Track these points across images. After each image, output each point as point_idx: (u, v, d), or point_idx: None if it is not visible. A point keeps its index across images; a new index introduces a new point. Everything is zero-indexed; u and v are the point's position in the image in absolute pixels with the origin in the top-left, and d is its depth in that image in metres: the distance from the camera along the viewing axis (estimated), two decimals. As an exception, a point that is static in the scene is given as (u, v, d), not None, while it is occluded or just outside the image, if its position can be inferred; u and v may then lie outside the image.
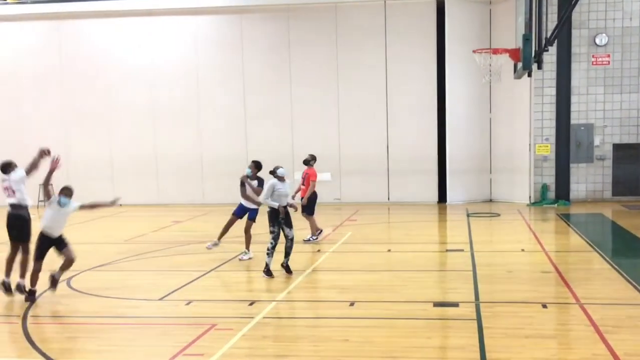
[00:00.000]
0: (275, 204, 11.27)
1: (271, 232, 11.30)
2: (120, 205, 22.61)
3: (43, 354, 7.60)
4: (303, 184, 14.98)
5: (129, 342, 8.15)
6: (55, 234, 10.12)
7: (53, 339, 8.23)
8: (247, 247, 13.03)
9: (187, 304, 9.74)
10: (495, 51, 18.06)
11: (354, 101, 22.42)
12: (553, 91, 21.09)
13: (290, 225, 11.44)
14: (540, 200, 21.17)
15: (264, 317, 8.98)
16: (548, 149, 21.28)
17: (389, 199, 22.41)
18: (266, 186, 11.51)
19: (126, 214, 21.30)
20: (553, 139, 21.25)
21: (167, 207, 22.76)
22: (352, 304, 9.60)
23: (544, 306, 9.25)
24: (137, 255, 13.97)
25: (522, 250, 13.89)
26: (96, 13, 23.14)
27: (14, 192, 10.51)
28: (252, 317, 8.92)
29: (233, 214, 13.08)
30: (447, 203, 21.91)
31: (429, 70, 22.05)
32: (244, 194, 12.95)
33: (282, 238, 11.38)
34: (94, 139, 23.52)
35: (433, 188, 22.31)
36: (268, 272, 11.32)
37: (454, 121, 21.73)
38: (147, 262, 13.31)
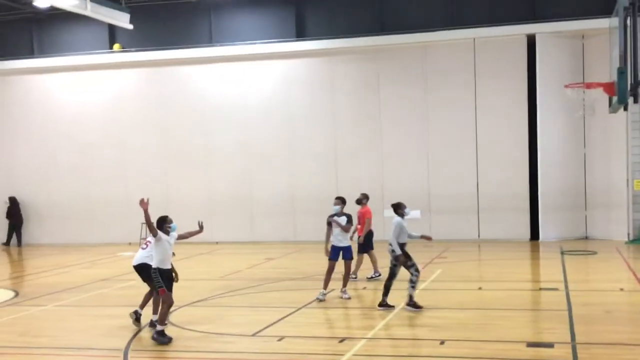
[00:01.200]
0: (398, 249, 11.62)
1: (411, 266, 11.60)
2: (217, 243, 23.52)
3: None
4: (359, 223, 15.02)
5: (224, 376, 8.40)
6: (168, 266, 10.46)
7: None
8: (345, 285, 13.09)
9: (279, 340, 9.95)
10: (589, 85, 17.71)
11: (443, 139, 22.38)
12: (652, 125, 20.41)
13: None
14: (639, 238, 20.38)
15: (354, 355, 9.06)
16: (648, 184, 20.53)
17: (479, 236, 22.10)
18: (394, 227, 11.79)
19: (221, 251, 21.90)
20: (653, 174, 20.50)
21: (260, 245, 23.23)
22: (442, 343, 9.56)
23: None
24: (232, 291, 14.35)
25: (621, 289, 13.43)
26: (192, 60, 24.16)
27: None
28: (343, 355, 9.02)
29: (330, 259, 12.98)
30: (539, 240, 21.40)
31: (520, 106, 21.78)
32: (329, 235, 13.04)
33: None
34: (191, 178, 24.40)
35: (525, 225, 21.86)
36: (414, 305, 11.55)
37: (546, 156, 21.33)
38: (242, 299, 13.66)
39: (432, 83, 22.40)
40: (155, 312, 10.69)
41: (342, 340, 9.80)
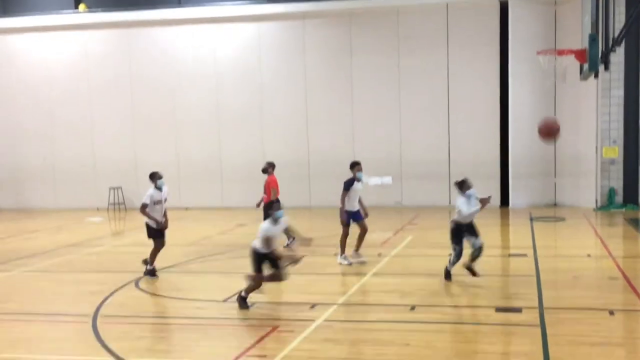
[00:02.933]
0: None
1: (454, 250, 11.05)
2: (187, 208, 23.35)
3: (112, 353, 7.87)
4: (265, 192, 14.95)
5: (194, 342, 8.35)
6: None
7: (122, 338, 8.50)
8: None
9: (251, 306, 9.91)
10: (561, 52, 17.71)
11: (415, 105, 22.37)
12: (621, 92, 20.55)
13: (475, 234, 11.02)
14: (607, 205, 20.66)
15: (325, 320, 9.07)
16: (616, 152, 20.74)
17: (450, 202, 22.22)
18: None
19: (191, 217, 21.75)
20: (621, 142, 20.69)
21: (231, 210, 23.12)
22: (413, 308, 9.60)
23: (611, 313, 9.06)
24: (203, 257, 14.27)
25: (588, 255, 13.61)
26: (161, 21, 23.70)
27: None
28: (314, 320, 9.02)
29: (347, 224, 12.93)
30: (509, 207, 21.60)
31: (491, 73, 21.80)
32: (344, 199, 12.89)
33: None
34: (161, 143, 24.11)
35: (496, 192, 22.02)
36: (447, 274, 11.19)
37: (517, 124, 21.42)
38: (212, 265, 13.58)
39: (405, 48, 22.27)
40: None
41: (313, 306, 9.79)
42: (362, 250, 13.15)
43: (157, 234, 12.21)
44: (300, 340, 8.19)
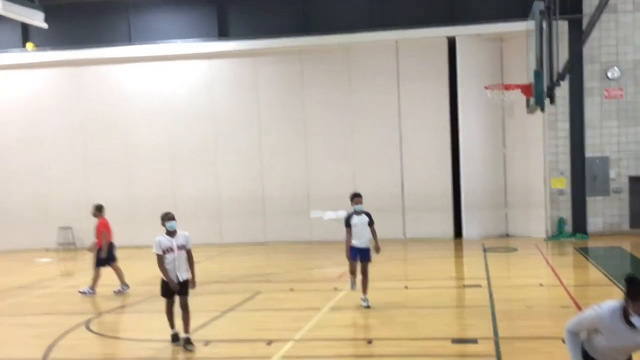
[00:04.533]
0: None
1: None
2: (138, 247, 22.93)
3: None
4: (96, 237, 14.50)
5: (148, 383, 8.16)
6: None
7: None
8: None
9: (206, 344, 9.76)
10: (507, 87, 18.19)
11: (368, 140, 22.54)
12: (567, 125, 21.11)
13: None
14: (557, 234, 21.06)
15: (282, 357, 8.97)
16: (564, 183, 21.22)
17: (405, 235, 22.37)
18: None
19: (144, 255, 21.35)
20: (568, 173, 21.20)
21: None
22: (370, 342, 9.57)
23: (565, 341, 9.14)
24: (155, 296, 13.97)
25: (541, 284, 13.80)
26: (112, 59, 23.51)
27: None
28: (270, 357, 8.92)
29: (351, 258, 11.94)
30: (463, 239, 21.84)
31: (441, 107, 22.15)
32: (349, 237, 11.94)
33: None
34: (113, 181, 23.74)
35: (449, 224, 22.26)
36: None
37: (468, 157, 21.77)
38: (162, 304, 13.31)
39: (356, 84, 22.51)
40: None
41: (269, 342, 9.68)
42: (317, 285, 13.09)
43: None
44: (257, 378, 8.07)
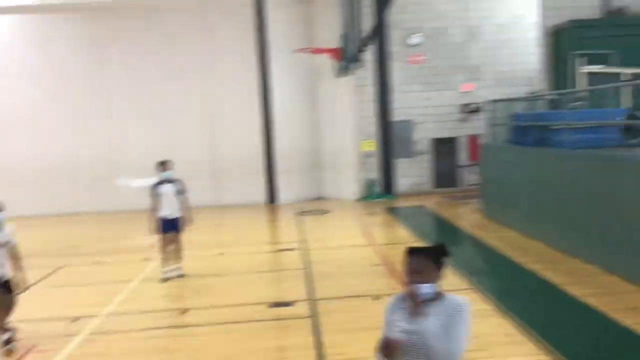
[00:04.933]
0: None
1: None
2: None
3: None
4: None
5: None
6: None
7: None
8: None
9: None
10: (317, 50, 18.36)
11: (177, 104, 21.82)
12: (373, 89, 21.74)
13: None
14: (367, 195, 21.78)
15: (90, 334, 8.38)
16: (373, 145, 21.91)
17: (219, 202, 22.03)
18: None
19: None
20: (376, 136, 21.90)
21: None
22: (184, 312, 9.21)
23: (376, 298, 9.39)
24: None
25: (352, 245, 14.13)
26: None
27: None
28: (77, 335, 8.29)
29: (164, 233, 11.32)
30: (278, 203, 21.93)
31: (251, 70, 21.83)
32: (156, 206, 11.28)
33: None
34: None
35: (262, 188, 22.23)
36: None
37: (280, 120, 21.79)
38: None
39: (162, 45, 21.60)
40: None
41: (75, 319, 9.01)
42: (127, 257, 12.45)
43: None
44: (64, 357, 7.45)
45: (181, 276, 11.38)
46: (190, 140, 21.84)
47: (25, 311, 9.59)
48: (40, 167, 21.57)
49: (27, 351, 7.75)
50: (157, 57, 21.66)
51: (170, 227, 11.26)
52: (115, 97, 21.76)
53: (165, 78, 21.74)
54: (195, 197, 21.93)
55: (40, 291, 11.02)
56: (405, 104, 21.85)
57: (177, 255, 11.49)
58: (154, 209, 11.20)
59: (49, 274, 12.24)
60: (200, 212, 20.44)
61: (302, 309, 9.06)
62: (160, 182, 11.29)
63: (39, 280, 11.70)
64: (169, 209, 11.21)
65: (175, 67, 21.68)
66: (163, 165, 11.44)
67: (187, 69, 21.73)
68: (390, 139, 21.83)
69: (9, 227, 8.18)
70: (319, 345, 7.49)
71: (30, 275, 11.97)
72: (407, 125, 21.98)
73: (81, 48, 21.59)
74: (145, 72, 21.69)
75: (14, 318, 8.18)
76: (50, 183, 21.62)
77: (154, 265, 12.52)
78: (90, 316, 9.19)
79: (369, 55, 20.18)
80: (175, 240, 11.41)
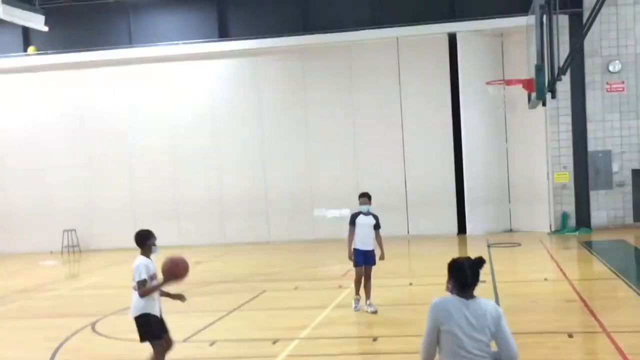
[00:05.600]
0: None
1: None
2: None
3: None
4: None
5: (155, 384, 8.16)
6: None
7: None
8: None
9: (211, 344, 9.77)
10: (509, 82, 18.16)
11: (370, 137, 22.55)
12: (569, 119, 21.09)
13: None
14: (561, 229, 21.04)
15: (287, 356, 8.98)
16: (567, 177, 21.20)
17: (408, 232, 22.36)
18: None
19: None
20: (571, 167, 21.19)
21: (188, 248, 22.83)
22: (375, 339, 9.56)
23: (570, 336, 9.17)
24: (161, 297, 14.00)
25: (545, 279, 13.79)
26: (113, 61, 23.51)
27: None
28: (276, 357, 8.93)
29: (357, 265, 11.37)
30: (467, 234, 21.83)
31: (443, 103, 22.15)
32: (351, 237, 11.46)
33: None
34: (116, 182, 23.78)
35: (452, 220, 22.26)
36: None
37: (470, 152, 21.76)
38: (171, 304, 13.32)
39: (357, 82, 22.53)
40: None
41: (275, 341, 9.69)
42: (322, 283, 13.05)
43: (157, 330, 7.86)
44: (264, 377, 8.08)
45: (375, 312, 11.23)
46: (383, 172, 22.39)
47: (231, 332, 10.51)
48: (243, 199, 23.17)
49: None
50: (351, 94, 22.56)
51: (363, 259, 11.36)
52: (313, 134, 22.88)
53: (359, 114, 22.56)
54: (386, 226, 22.61)
55: (245, 314, 11.95)
56: (603, 133, 20.97)
57: (367, 288, 11.46)
58: (350, 239, 11.46)
59: (253, 298, 13.20)
60: (391, 242, 20.96)
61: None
62: (358, 214, 11.48)
63: (245, 303, 12.68)
64: (364, 241, 11.34)
65: (369, 102, 22.44)
66: (362, 197, 11.55)
67: (380, 103, 22.41)
68: (587, 170, 20.99)
69: None
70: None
71: (237, 298, 13.07)
72: (606, 155, 21.02)
73: (282, 88, 23.02)
74: (336, 107, 22.66)
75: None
76: (252, 213, 23.15)
77: (347, 292, 13.07)
78: (289, 339, 9.83)
79: (563, 85, 19.65)
80: (368, 273, 11.48)
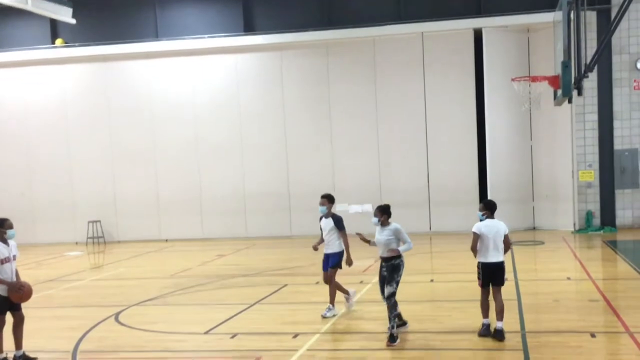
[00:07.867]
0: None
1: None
2: (167, 240, 23.26)
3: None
4: None
5: (176, 375, 8.26)
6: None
7: (102, 373, 8.37)
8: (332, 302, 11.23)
9: (232, 337, 9.85)
10: (534, 79, 17.98)
11: (394, 133, 22.51)
12: (595, 117, 20.87)
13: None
14: (585, 228, 20.84)
15: (308, 350, 9.02)
16: (592, 175, 21.00)
17: (430, 229, 22.31)
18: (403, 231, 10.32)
19: (171, 249, 21.61)
20: (596, 165, 20.97)
21: (211, 242, 23.01)
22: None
23: (593, 335, 9.10)
24: (183, 289, 14.15)
25: (568, 278, 13.69)
26: (139, 54, 23.72)
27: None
28: (297, 350, 8.97)
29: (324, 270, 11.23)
30: (490, 232, 21.67)
31: (468, 100, 22.03)
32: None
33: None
34: (140, 176, 23.98)
35: (475, 217, 22.06)
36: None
37: (494, 150, 21.61)
38: (193, 296, 13.47)
39: (382, 77, 22.47)
40: None
41: (295, 335, 9.74)
42: (343, 278, 13.07)
43: (5, 305, 8.78)
44: (284, 370, 8.13)
45: (324, 317, 10.87)
46: (407, 168, 22.34)
47: (252, 325, 10.56)
48: (266, 194, 23.24)
49: (255, 361, 8.53)
50: (375, 89, 22.52)
51: (325, 263, 11.20)
52: (336, 129, 22.88)
53: (383, 109, 22.52)
54: (408, 222, 22.56)
55: (266, 308, 12.02)
56: (630, 131, 20.73)
57: (329, 292, 11.13)
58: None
59: (275, 291, 13.26)
60: (413, 238, 20.90)
61: (513, 340, 9.02)
62: (321, 217, 11.37)
63: (266, 297, 12.75)
64: (326, 244, 11.19)
65: (393, 97, 22.39)
66: (322, 198, 11.31)
67: (404, 99, 22.35)
68: (612, 168, 20.76)
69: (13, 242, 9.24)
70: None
71: (259, 291, 13.15)
72: (632, 154, 20.78)
73: (306, 83, 23.03)
74: (359, 102, 22.64)
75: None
76: (274, 208, 23.22)
77: (368, 287, 13.09)
78: (309, 333, 9.87)
79: (590, 82, 19.45)
80: (326, 278, 11.20)
